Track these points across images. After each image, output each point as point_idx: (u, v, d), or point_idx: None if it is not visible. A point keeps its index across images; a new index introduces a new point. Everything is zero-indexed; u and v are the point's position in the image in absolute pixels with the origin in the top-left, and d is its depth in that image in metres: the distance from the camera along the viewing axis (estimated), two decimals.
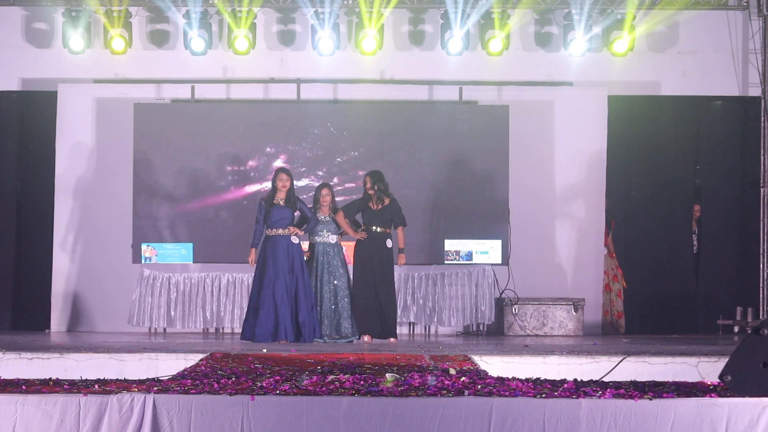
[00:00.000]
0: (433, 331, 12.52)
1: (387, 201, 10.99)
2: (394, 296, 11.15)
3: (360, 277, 10.94)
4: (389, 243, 10.94)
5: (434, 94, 12.81)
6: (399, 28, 12.90)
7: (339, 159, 12.58)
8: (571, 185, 12.73)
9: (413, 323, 12.42)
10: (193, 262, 12.35)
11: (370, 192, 10.96)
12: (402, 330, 12.56)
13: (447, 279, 12.33)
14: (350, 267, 11.14)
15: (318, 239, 10.97)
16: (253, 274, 10.78)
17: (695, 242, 13.26)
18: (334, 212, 11.02)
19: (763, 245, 12.51)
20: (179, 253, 12.23)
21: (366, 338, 10.86)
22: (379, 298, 10.88)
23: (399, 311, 12.26)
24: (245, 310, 11.03)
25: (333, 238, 10.98)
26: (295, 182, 12.43)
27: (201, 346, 9.75)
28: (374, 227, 10.92)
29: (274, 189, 10.70)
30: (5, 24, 12.76)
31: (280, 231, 10.63)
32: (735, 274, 13.18)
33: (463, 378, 6.70)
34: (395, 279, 11.28)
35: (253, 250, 10.70)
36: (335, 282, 10.93)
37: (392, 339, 10.90)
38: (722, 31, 12.85)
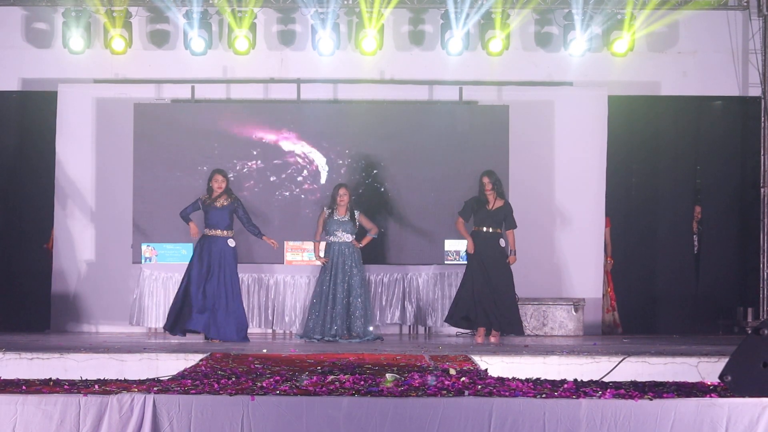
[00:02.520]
0: (433, 331, 12.51)
1: (501, 202, 10.96)
2: (514, 293, 11.06)
3: (471, 276, 10.89)
4: (502, 242, 10.91)
5: (434, 94, 12.81)
6: (399, 28, 12.90)
7: (339, 159, 12.57)
8: (571, 185, 12.72)
9: (414, 323, 12.40)
10: None
11: (488, 192, 10.90)
12: (402, 330, 12.58)
13: (447, 279, 12.32)
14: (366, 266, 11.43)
15: (333, 239, 11.15)
16: (185, 272, 10.96)
17: (696, 243, 13.26)
18: (352, 213, 11.18)
19: (763, 245, 12.51)
20: (179, 253, 12.23)
21: (480, 336, 10.90)
22: (495, 295, 10.82)
23: (398, 312, 12.28)
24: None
25: (348, 238, 11.15)
26: (294, 182, 12.51)
27: (201, 346, 9.76)
28: (485, 228, 10.89)
29: (210, 190, 10.87)
30: (5, 24, 12.77)
31: (218, 232, 10.79)
32: (735, 274, 13.18)
33: (463, 378, 6.69)
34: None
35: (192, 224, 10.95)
36: (349, 281, 11.09)
37: (494, 337, 10.81)
38: (722, 31, 12.85)
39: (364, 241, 11.38)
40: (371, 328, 11.25)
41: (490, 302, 10.84)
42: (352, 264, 11.16)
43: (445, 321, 11.33)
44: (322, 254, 11.25)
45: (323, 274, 11.20)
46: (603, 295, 12.79)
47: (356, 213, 11.30)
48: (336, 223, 11.15)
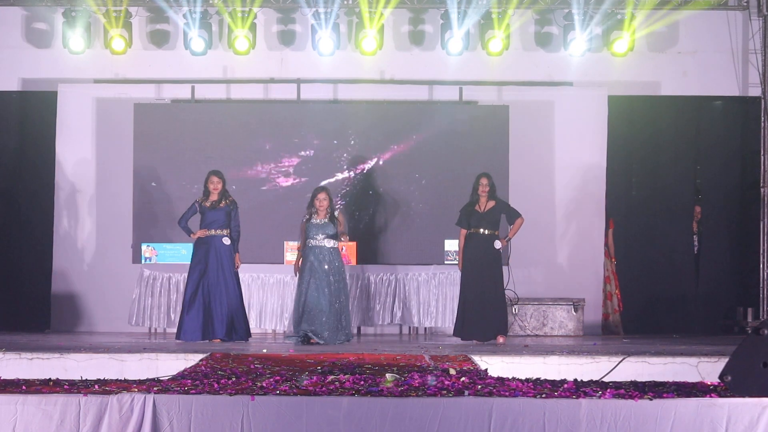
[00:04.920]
0: (433, 331, 12.51)
1: (493, 203, 10.89)
2: (504, 297, 10.96)
3: (468, 280, 10.84)
4: (497, 244, 10.82)
5: (434, 94, 12.81)
6: (399, 28, 12.90)
7: (339, 159, 12.57)
8: (571, 185, 12.73)
9: (414, 323, 12.41)
10: None
11: (482, 193, 10.83)
12: (402, 330, 12.58)
13: (447, 279, 12.33)
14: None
15: (312, 243, 10.64)
16: (188, 274, 10.85)
17: (696, 243, 13.26)
18: (332, 216, 10.72)
19: (763, 245, 12.51)
20: (179, 253, 12.23)
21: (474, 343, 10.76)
22: (486, 300, 10.75)
23: (398, 312, 12.29)
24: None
25: (330, 242, 10.65)
26: (295, 182, 12.51)
27: (201, 346, 9.76)
28: (482, 230, 10.82)
29: (207, 191, 10.84)
30: (5, 24, 12.77)
31: (212, 232, 10.76)
32: (735, 274, 13.18)
33: (463, 378, 6.70)
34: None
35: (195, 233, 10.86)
36: (326, 288, 10.56)
37: (501, 338, 10.73)
38: (722, 31, 12.85)
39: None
40: (344, 334, 10.63)
41: (479, 310, 10.77)
42: (330, 269, 10.59)
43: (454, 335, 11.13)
44: (300, 262, 10.71)
45: (301, 278, 10.66)
46: (611, 296, 12.79)
47: (336, 212, 10.84)
48: (315, 227, 10.64)
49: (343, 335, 10.64)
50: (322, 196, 10.72)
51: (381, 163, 12.54)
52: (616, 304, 12.80)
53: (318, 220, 10.67)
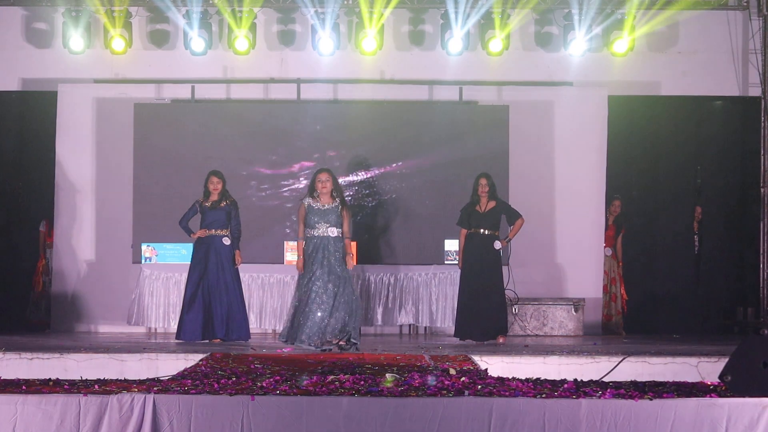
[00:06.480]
0: (433, 331, 12.51)
1: (493, 203, 10.91)
2: (504, 297, 10.97)
3: (468, 280, 10.86)
4: (497, 245, 10.84)
5: (434, 94, 12.81)
6: (399, 28, 12.90)
7: (339, 159, 12.57)
8: (571, 185, 12.72)
9: (413, 323, 12.41)
10: None
11: (482, 194, 10.86)
12: (402, 330, 12.58)
13: (447, 279, 12.32)
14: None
15: (315, 232, 9.69)
16: (189, 274, 10.83)
17: (696, 243, 13.26)
18: (340, 202, 9.70)
19: (763, 245, 12.51)
20: (179, 253, 12.23)
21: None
22: (486, 300, 10.76)
23: (398, 312, 12.28)
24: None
25: (333, 231, 9.65)
26: (294, 182, 12.51)
27: (201, 346, 9.76)
28: (482, 230, 10.85)
29: (207, 192, 10.84)
30: (5, 24, 12.77)
31: (213, 231, 10.75)
32: (735, 274, 13.18)
33: (463, 378, 6.70)
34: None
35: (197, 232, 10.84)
36: (332, 282, 9.62)
37: (501, 338, 10.76)
38: (722, 31, 12.86)
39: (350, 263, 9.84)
40: (353, 339, 9.70)
41: (479, 310, 10.78)
42: (334, 262, 9.62)
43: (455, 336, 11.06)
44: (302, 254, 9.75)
45: (304, 274, 9.72)
46: (615, 297, 12.78)
47: (340, 202, 9.74)
48: (317, 213, 9.65)
49: (354, 336, 9.71)
50: (324, 176, 9.72)
51: (381, 163, 12.54)
52: (620, 306, 12.79)
53: (319, 206, 9.67)
